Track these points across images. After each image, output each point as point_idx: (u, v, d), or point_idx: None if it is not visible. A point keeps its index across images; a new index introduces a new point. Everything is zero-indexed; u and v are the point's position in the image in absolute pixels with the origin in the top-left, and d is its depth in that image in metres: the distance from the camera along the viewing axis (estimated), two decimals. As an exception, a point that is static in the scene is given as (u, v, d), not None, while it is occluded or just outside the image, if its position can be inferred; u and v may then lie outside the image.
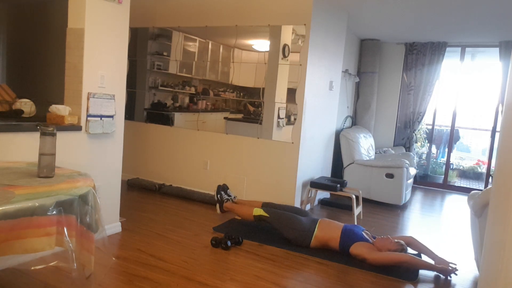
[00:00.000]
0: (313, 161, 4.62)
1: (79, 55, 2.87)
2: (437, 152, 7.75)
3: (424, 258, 3.19)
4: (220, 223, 3.73)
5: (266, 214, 3.43)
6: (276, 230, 3.44)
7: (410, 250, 3.22)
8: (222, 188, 3.91)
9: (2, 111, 2.90)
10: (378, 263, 2.97)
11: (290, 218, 3.35)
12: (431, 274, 3.00)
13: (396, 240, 3.08)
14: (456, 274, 2.96)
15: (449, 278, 2.94)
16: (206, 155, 4.73)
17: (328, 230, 3.25)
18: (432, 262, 3.03)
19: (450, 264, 2.99)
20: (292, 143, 4.18)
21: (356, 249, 3.09)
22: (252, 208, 3.55)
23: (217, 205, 3.86)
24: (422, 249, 3.14)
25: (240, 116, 4.56)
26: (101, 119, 3.02)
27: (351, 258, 3.11)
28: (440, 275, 2.97)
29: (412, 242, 3.18)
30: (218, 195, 3.86)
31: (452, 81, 6.36)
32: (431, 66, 6.08)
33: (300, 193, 4.32)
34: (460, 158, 8.15)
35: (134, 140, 5.20)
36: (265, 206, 3.64)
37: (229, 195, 3.89)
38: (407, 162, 5.01)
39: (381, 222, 4.29)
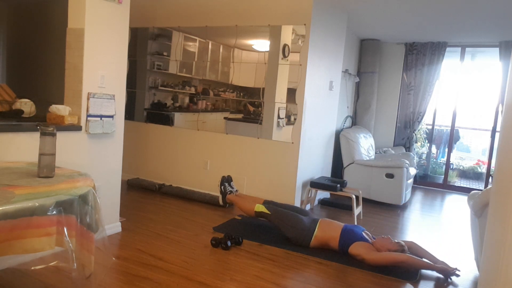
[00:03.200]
0: (313, 161, 4.62)
1: (79, 55, 2.87)
2: (437, 152, 7.75)
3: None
4: (220, 223, 3.73)
5: (267, 211, 3.42)
6: (276, 228, 3.44)
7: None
8: (227, 180, 3.87)
9: (2, 111, 2.90)
10: (376, 263, 2.97)
11: (291, 216, 3.35)
12: (431, 274, 3.00)
13: (396, 241, 3.08)
14: (457, 276, 2.95)
15: (449, 280, 2.93)
16: (206, 155, 4.73)
17: (328, 230, 3.25)
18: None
19: (452, 267, 2.98)
20: (292, 143, 4.18)
21: (355, 249, 3.09)
22: (254, 203, 3.54)
23: (220, 197, 3.85)
24: (423, 253, 3.12)
25: (240, 116, 4.56)
26: (101, 119, 3.02)
27: (351, 258, 3.11)
28: (440, 275, 2.97)
29: (412, 247, 3.16)
30: (222, 186, 3.84)
31: (452, 81, 6.36)
32: (431, 66, 6.08)
33: (300, 193, 4.32)
34: (460, 158, 8.14)
35: (134, 140, 5.20)
36: (267, 203, 3.64)
37: (232, 187, 3.87)
38: (407, 162, 5.01)
39: (381, 222, 4.29)
